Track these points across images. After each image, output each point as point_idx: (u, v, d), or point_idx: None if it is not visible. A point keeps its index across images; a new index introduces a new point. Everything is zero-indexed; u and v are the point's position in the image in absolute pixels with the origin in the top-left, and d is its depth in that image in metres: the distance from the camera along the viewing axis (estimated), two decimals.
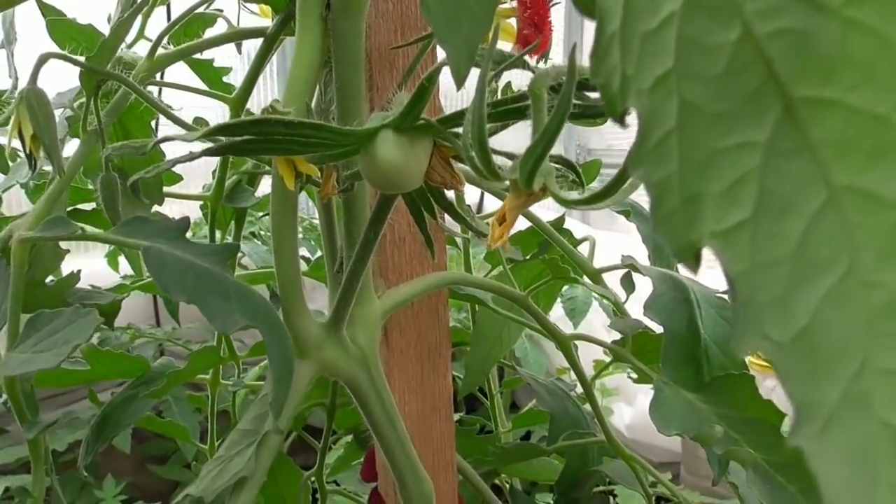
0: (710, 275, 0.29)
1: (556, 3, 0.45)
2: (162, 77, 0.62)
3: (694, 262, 0.17)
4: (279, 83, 2.08)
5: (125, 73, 0.49)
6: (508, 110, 0.29)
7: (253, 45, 0.62)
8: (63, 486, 0.91)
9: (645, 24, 0.16)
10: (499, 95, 0.41)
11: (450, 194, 0.38)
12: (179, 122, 0.52)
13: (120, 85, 0.51)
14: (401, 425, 0.49)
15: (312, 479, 0.86)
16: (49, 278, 0.61)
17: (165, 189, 0.66)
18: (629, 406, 1.98)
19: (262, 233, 1.68)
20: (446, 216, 0.41)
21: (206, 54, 0.71)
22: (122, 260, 1.32)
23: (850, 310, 0.14)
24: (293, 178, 0.37)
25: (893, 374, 0.14)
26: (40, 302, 0.51)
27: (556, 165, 0.30)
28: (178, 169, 0.73)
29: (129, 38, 0.60)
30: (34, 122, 0.46)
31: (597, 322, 1.57)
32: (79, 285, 0.65)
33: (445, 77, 0.29)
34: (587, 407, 0.80)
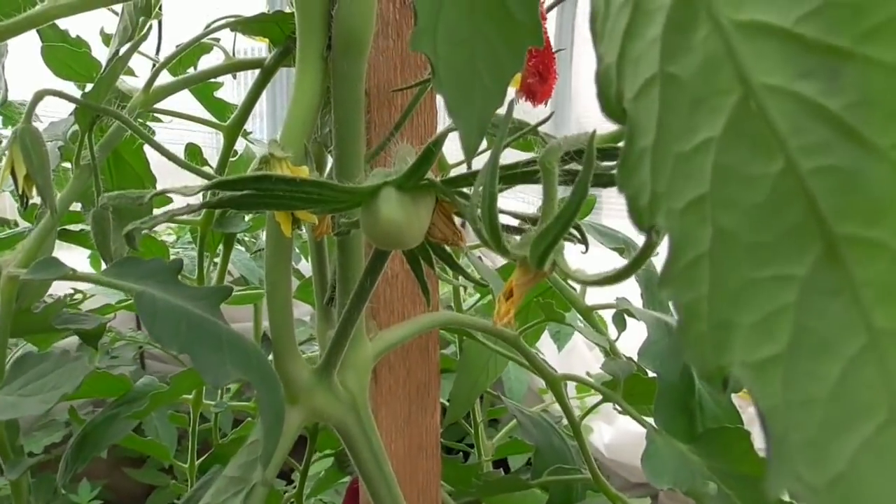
0: None
1: (561, 50, 0.44)
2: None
3: (722, 387, 0.16)
4: (266, 102, 2.08)
5: (121, 105, 0.49)
6: (517, 174, 0.28)
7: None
8: (38, 489, 0.90)
9: (679, 146, 0.16)
10: None
11: None
12: (174, 158, 0.51)
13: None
14: (387, 466, 0.48)
15: (292, 501, 0.86)
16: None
17: (156, 211, 0.65)
18: (608, 425, 1.97)
19: (245, 239, 1.67)
20: None
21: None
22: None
23: (891, 460, 0.14)
24: (290, 226, 0.37)
25: None
26: (27, 328, 0.50)
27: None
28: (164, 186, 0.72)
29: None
30: (28, 163, 0.45)
31: (580, 341, 1.57)
32: (58, 285, 0.63)
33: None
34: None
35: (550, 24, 0.44)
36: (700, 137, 0.15)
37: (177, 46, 0.54)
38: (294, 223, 0.37)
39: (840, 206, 0.14)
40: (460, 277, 0.81)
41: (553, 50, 0.43)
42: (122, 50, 0.46)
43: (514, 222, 0.33)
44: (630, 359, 0.64)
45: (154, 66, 0.60)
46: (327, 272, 0.53)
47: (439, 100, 0.54)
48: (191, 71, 0.64)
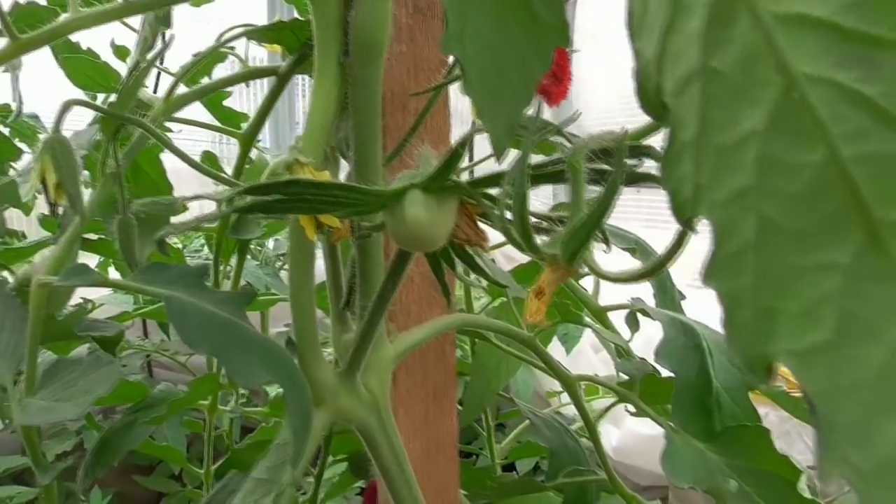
0: None
1: (576, 52, 0.45)
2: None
3: (766, 375, 0.16)
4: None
5: (141, 114, 0.49)
6: (545, 174, 0.29)
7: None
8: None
9: (721, 138, 0.16)
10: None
11: None
12: (194, 164, 0.51)
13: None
14: (408, 468, 0.48)
15: None
16: None
17: (172, 219, 0.66)
18: (616, 428, 1.97)
19: (252, 247, 1.68)
20: None
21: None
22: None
23: None
24: (314, 230, 0.37)
25: None
26: (52, 335, 0.51)
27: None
28: (181, 194, 0.72)
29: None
30: (58, 171, 0.45)
31: (587, 343, 1.57)
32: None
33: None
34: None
35: None
36: (743, 129, 0.16)
37: (194, 55, 0.54)
38: (317, 227, 0.38)
39: (881, 192, 0.15)
40: (473, 277, 0.81)
41: (569, 52, 0.43)
42: (145, 58, 0.46)
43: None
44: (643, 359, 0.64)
45: (158, 75, 0.61)
46: (341, 277, 0.53)
47: (452, 103, 0.54)
48: (205, 80, 0.64)
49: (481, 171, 0.70)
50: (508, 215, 0.28)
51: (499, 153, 0.26)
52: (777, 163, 0.15)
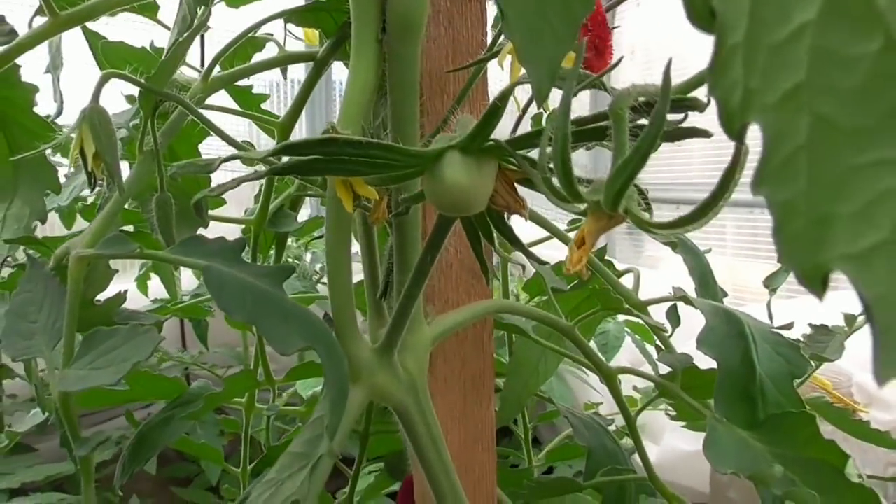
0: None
1: (617, 28, 0.44)
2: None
3: (821, 287, 0.16)
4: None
5: (180, 95, 0.49)
6: (587, 131, 0.28)
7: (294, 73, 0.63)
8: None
9: (772, 36, 0.16)
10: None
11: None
12: (234, 143, 0.52)
13: (175, 106, 0.51)
14: (446, 453, 0.48)
15: None
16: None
17: (209, 213, 0.66)
18: (655, 445, 1.95)
19: (288, 259, 1.69)
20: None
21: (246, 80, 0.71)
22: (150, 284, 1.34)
23: None
24: (352, 201, 0.37)
25: None
26: (90, 321, 0.51)
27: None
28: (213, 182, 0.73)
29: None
30: (97, 141, 0.46)
31: (623, 360, 1.55)
32: None
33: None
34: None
35: None
36: (795, 23, 0.15)
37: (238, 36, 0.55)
38: (355, 200, 0.38)
39: None
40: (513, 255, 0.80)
41: (610, 26, 0.43)
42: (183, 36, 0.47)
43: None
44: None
45: (202, 62, 0.61)
46: (378, 267, 0.53)
47: (491, 87, 0.54)
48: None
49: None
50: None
51: (541, 99, 0.25)
52: (832, 56, 0.15)
